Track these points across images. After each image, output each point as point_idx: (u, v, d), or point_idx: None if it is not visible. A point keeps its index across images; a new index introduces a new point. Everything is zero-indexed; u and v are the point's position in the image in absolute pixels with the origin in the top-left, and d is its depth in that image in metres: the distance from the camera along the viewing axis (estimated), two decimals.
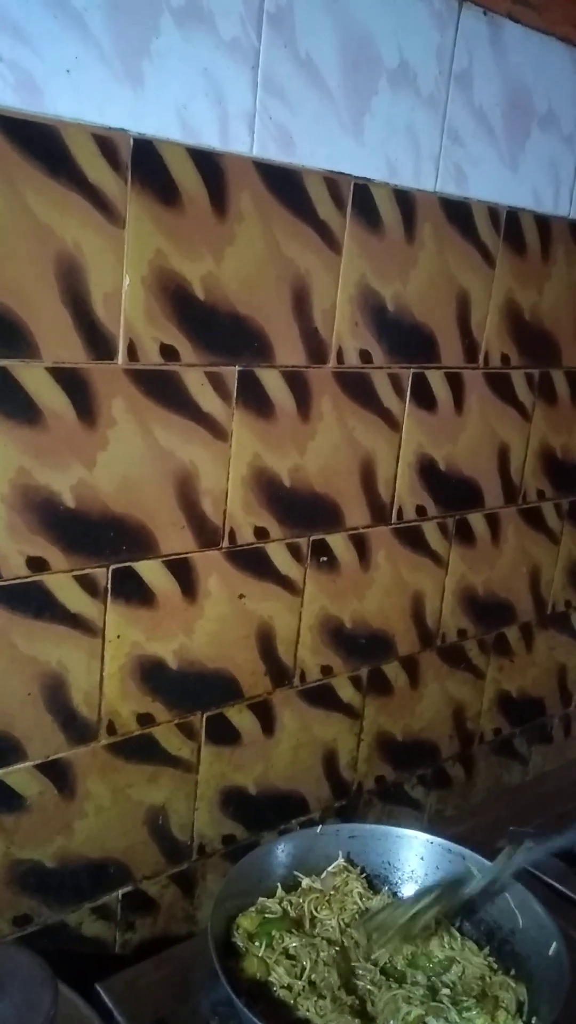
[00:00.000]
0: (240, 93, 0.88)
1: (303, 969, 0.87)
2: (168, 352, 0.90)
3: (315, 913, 0.94)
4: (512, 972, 0.90)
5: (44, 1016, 0.67)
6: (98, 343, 0.85)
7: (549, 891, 1.11)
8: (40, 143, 0.77)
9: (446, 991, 0.88)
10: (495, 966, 0.93)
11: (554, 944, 0.86)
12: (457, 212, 1.13)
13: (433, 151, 1.07)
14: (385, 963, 0.92)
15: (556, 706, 1.58)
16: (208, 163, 0.88)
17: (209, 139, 0.88)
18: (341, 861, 1.01)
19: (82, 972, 0.88)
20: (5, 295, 0.79)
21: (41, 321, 0.81)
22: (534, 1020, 0.82)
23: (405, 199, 1.06)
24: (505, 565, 1.39)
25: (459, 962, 0.92)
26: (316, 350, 1.03)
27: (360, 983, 0.88)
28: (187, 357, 0.92)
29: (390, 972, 0.91)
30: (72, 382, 0.85)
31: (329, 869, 1.00)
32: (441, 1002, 0.85)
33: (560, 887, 1.12)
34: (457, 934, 0.97)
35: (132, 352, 0.88)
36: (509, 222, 1.19)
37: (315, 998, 0.85)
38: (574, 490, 1.46)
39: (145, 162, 0.84)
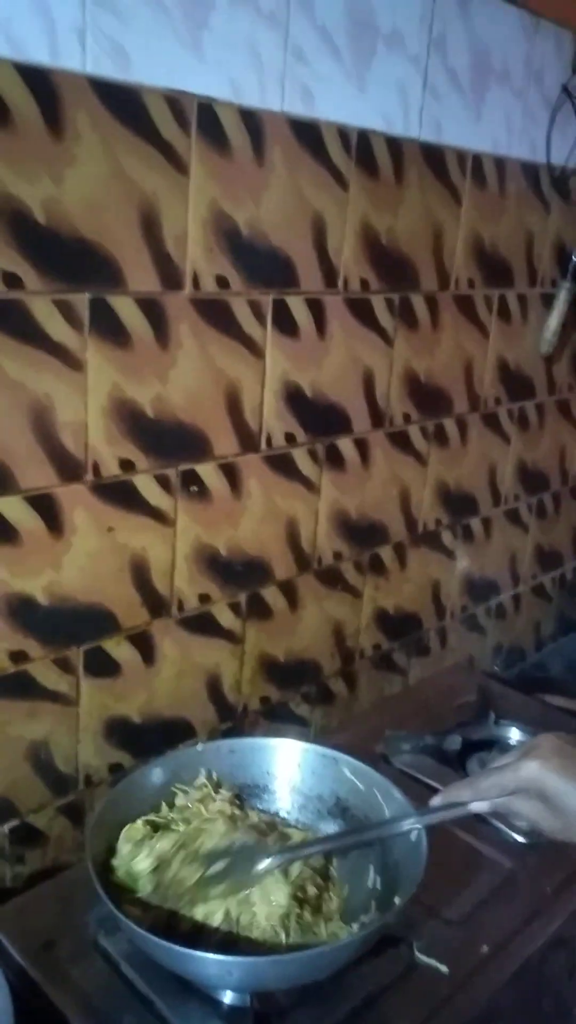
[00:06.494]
0: (67, 5, 0.85)
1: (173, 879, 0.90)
2: (10, 279, 0.88)
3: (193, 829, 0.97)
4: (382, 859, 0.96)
5: None
6: None
7: (419, 785, 1.18)
8: None
9: None
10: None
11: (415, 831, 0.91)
12: (306, 133, 1.12)
13: (277, 69, 1.06)
14: None
15: (431, 619, 1.66)
16: (38, 80, 0.85)
17: (37, 54, 0.84)
18: (202, 778, 1.03)
19: None
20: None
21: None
22: (397, 900, 0.88)
23: (252, 119, 1.05)
24: (376, 488, 1.43)
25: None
26: (170, 276, 1.02)
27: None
28: (31, 284, 0.89)
29: None
30: None
31: (195, 784, 1.01)
32: None
33: (428, 781, 1.20)
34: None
35: None
36: (360, 144, 1.19)
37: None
38: (438, 413, 1.51)
39: None
